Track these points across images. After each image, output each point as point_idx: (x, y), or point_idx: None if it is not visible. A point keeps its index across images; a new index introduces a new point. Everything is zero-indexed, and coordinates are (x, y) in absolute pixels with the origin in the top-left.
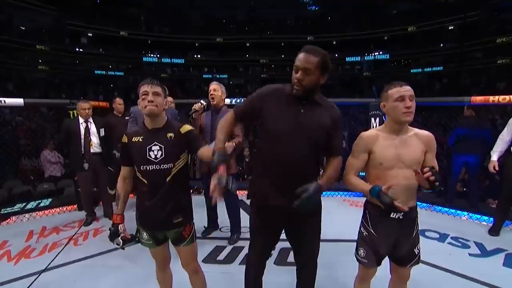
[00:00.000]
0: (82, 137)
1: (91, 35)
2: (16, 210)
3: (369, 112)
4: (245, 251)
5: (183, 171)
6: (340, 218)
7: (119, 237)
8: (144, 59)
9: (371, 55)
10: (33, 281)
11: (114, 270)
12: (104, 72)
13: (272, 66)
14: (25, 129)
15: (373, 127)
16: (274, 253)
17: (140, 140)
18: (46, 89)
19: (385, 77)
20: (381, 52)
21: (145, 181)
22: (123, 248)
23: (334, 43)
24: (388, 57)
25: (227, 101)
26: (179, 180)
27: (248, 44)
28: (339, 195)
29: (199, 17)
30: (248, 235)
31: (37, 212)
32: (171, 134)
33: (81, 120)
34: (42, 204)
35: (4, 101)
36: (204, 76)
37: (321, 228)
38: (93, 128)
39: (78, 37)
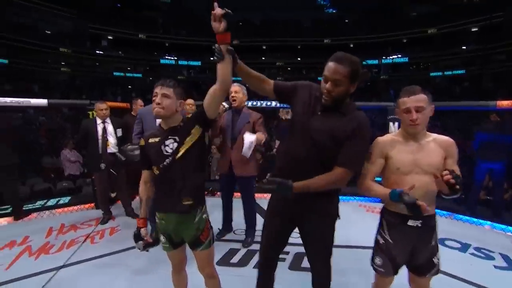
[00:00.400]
0: (100, 137)
1: (111, 38)
2: (37, 206)
3: (387, 116)
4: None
5: (194, 150)
6: (356, 223)
7: (141, 241)
8: (162, 61)
9: (389, 58)
10: (52, 277)
11: (129, 269)
12: (122, 74)
13: (288, 69)
14: (47, 129)
15: (391, 131)
16: (288, 257)
17: (157, 140)
18: (68, 90)
19: (403, 80)
20: (399, 55)
21: (157, 171)
22: (147, 251)
23: (351, 46)
24: (407, 60)
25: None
26: (190, 159)
27: (264, 47)
28: (355, 200)
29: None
30: None
31: (56, 210)
32: (181, 123)
33: (98, 120)
34: (61, 202)
35: (30, 102)
36: None
37: (336, 233)
38: (110, 128)
39: (98, 40)
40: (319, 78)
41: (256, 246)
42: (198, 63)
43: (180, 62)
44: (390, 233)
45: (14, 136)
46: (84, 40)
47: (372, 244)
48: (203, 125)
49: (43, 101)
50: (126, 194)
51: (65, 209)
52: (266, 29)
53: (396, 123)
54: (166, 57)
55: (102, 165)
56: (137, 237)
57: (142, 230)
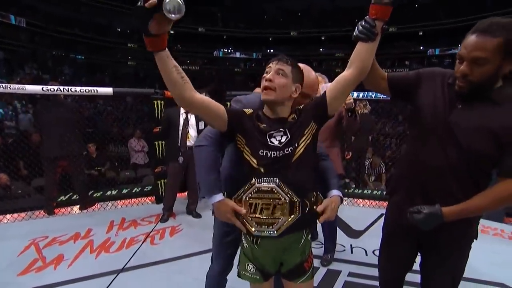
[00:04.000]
0: (180, 128)
1: (172, 32)
2: (100, 196)
3: None
4: (343, 277)
5: (307, 158)
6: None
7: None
8: (219, 54)
9: None
10: (111, 281)
11: (191, 278)
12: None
13: (347, 61)
14: (114, 118)
15: None
16: None
17: (263, 125)
18: (134, 82)
19: None
20: None
21: (262, 170)
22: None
23: (421, 33)
24: None
25: None
26: (303, 169)
27: (323, 38)
28: None
29: (274, 10)
30: (343, 256)
31: (117, 202)
32: (294, 116)
33: (182, 110)
34: (123, 192)
35: (96, 91)
36: None
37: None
38: (192, 120)
39: None
40: None
41: (337, 266)
42: (255, 55)
43: (237, 55)
44: None
45: (84, 126)
46: None
47: (485, 275)
48: (319, 123)
49: (108, 90)
50: (197, 191)
51: (126, 201)
52: (326, 18)
53: None
54: (224, 49)
55: (180, 159)
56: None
57: None
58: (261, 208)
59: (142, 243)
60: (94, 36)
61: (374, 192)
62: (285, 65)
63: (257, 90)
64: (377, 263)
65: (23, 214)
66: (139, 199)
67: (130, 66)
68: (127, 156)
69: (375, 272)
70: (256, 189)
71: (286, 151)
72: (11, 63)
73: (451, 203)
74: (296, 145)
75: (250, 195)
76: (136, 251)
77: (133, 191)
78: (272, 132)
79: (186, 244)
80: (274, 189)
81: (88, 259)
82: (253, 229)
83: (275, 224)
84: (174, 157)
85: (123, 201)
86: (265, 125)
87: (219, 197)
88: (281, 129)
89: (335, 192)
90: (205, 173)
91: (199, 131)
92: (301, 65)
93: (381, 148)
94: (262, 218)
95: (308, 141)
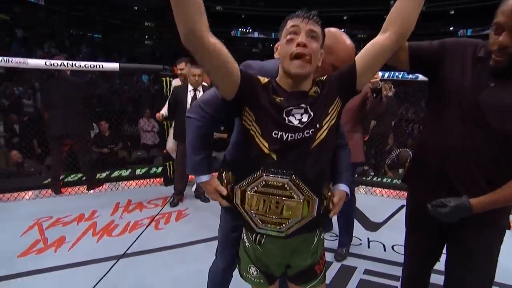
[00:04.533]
0: (188, 106)
1: None
2: (107, 176)
3: None
4: (358, 275)
5: (329, 142)
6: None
7: None
8: (237, 33)
9: None
10: (111, 267)
11: (194, 269)
12: None
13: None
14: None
15: None
16: None
17: (280, 99)
18: (150, 62)
19: None
20: None
21: (274, 156)
22: None
23: (452, 12)
24: None
25: None
26: (325, 153)
27: (345, 17)
28: None
29: None
30: (359, 251)
31: (125, 183)
32: (316, 89)
33: (190, 87)
34: (131, 173)
35: (102, 66)
36: None
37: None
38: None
39: None
40: None
41: (352, 261)
42: (274, 35)
43: (255, 35)
44: None
45: (91, 104)
46: (164, 14)
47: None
48: (344, 100)
49: (114, 65)
50: None
51: (134, 182)
52: None
53: None
54: (241, 29)
55: None
56: None
57: None
58: (269, 206)
59: (146, 227)
60: (111, 14)
61: (394, 181)
62: (317, 26)
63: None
64: (396, 260)
65: (30, 193)
66: (148, 180)
67: (146, 46)
68: (139, 136)
69: (393, 270)
70: (264, 182)
71: (306, 133)
72: (30, 42)
73: (474, 190)
74: (318, 126)
75: (256, 188)
76: (138, 236)
77: (142, 172)
78: (291, 108)
79: (191, 230)
80: (286, 185)
81: (89, 242)
82: (256, 226)
83: (284, 225)
84: (182, 139)
85: (131, 182)
86: (282, 99)
87: (204, 178)
88: (302, 105)
89: (344, 188)
90: (191, 151)
91: None
92: (333, 29)
93: (403, 136)
94: (268, 217)
95: (332, 122)
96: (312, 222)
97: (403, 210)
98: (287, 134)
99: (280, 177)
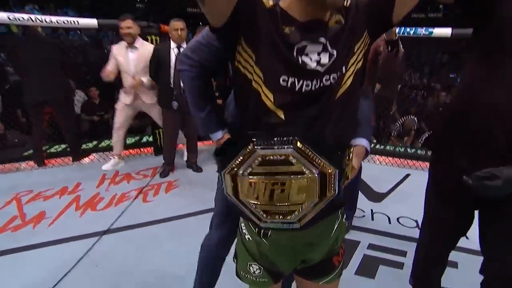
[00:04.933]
0: (172, 66)
1: None
2: (94, 147)
3: None
4: (362, 250)
5: (354, 88)
6: None
7: None
8: None
9: None
10: (93, 244)
11: (180, 244)
12: (195, 10)
13: None
14: None
15: None
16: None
17: (290, 30)
18: None
19: None
20: None
21: (281, 115)
22: None
23: None
24: None
25: None
26: (349, 104)
27: None
28: None
29: None
30: (363, 224)
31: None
32: (339, 16)
33: (172, 44)
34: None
35: (78, 22)
36: None
37: None
38: None
39: None
40: None
41: (356, 235)
42: None
43: None
44: None
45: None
46: None
47: None
48: (373, 35)
49: (93, 21)
50: (196, 141)
51: (123, 152)
52: None
53: None
54: None
55: (175, 104)
56: None
57: None
58: (271, 191)
59: (133, 200)
60: None
61: (397, 149)
62: None
63: None
64: (402, 234)
65: (10, 165)
66: (138, 150)
67: (138, 9)
68: None
69: (399, 245)
70: (260, 158)
71: (326, 80)
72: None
73: None
74: (343, 70)
75: (250, 169)
76: (125, 210)
77: (133, 141)
78: (305, 44)
79: (182, 203)
80: (291, 157)
81: (71, 217)
82: (259, 220)
83: (296, 213)
84: (167, 103)
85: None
86: (292, 29)
87: (218, 134)
88: (320, 40)
89: (364, 143)
90: (195, 109)
91: None
92: None
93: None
94: (273, 205)
95: (359, 64)
96: (332, 203)
97: (409, 180)
98: (301, 81)
99: (281, 148)
